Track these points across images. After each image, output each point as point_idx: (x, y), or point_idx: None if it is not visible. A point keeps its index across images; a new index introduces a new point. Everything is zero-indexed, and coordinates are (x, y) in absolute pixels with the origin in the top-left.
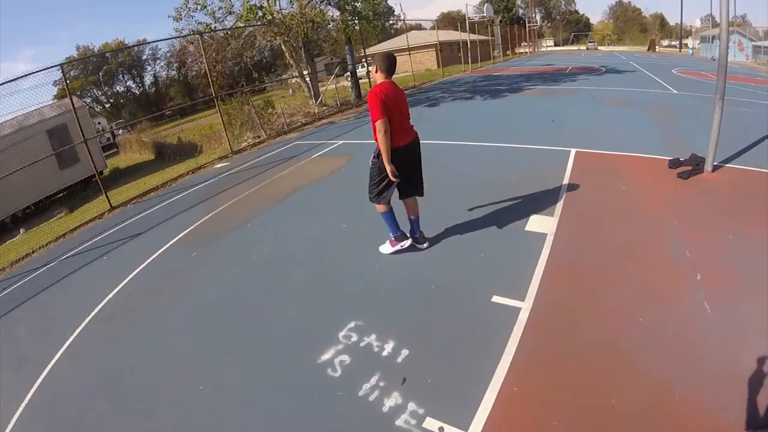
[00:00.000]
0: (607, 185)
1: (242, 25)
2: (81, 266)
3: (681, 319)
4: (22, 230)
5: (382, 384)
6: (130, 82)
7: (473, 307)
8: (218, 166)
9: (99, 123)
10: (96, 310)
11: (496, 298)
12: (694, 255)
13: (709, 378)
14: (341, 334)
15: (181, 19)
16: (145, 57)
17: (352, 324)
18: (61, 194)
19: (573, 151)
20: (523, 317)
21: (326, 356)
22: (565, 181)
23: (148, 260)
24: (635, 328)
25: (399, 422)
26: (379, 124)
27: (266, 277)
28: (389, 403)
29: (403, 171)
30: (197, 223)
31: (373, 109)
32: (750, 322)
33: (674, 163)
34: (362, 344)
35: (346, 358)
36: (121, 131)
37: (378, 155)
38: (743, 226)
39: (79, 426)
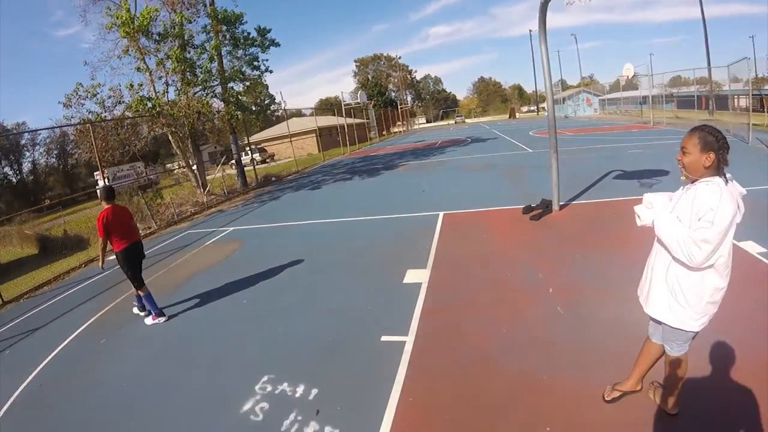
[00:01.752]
0: (471, 236)
1: (131, 115)
2: None
3: (539, 324)
4: None
5: (299, 418)
6: (6, 169)
7: (366, 347)
8: (111, 257)
9: None
10: (7, 405)
11: (384, 337)
12: (546, 276)
13: (567, 360)
14: (257, 386)
15: (71, 107)
16: (24, 142)
17: (265, 378)
18: None
19: (441, 213)
20: (408, 347)
21: (247, 406)
22: (435, 238)
23: (57, 350)
24: (501, 338)
25: None
26: (101, 240)
27: (177, 353)
28: (308, 431)
29: (133, 262)
30: (100, 314)
31: (98, 229)
32: (595, 314)
33: (527, 209)
34: (277, 392)
35: (265, 404)
36: None
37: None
38: (586, 247)
39: None
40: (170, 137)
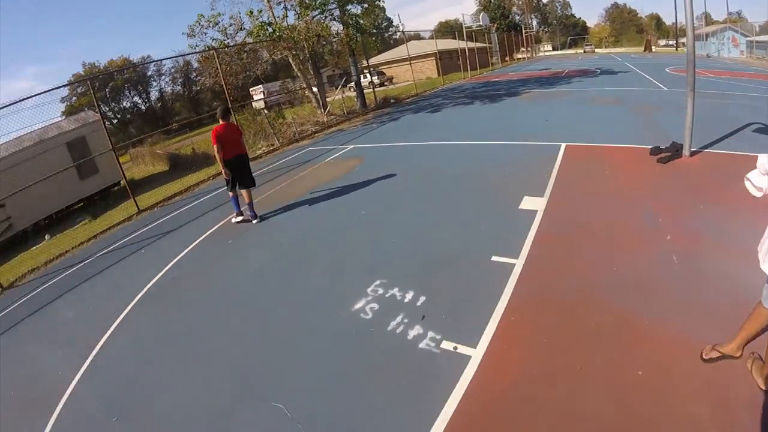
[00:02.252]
0: (592, 171)
1: (252, 41)
2: (119, 260)
3: (650, 268)
4: (47, 237)
5: (405, 321)
6: (136, 98)
7: (476, 265)
8: None
9: None
10: (142, 293)
11: (495, 258)
12: (666, 222)
13: (672, 310)
14: (369, 289)
15: (194, 36)
16: (150, 73)
17: (377, 282)
18: (81, 204)
19: (563, 145)
20: (517, 270)
21: (358, 305)
22: (555, 169)
23: (186, 250)
24: (610, 275)
25: (421, 345)
26: (215, 148)
27: (298, 255)
28: (412, 333)
29: (236, 171)
30: (225, 220)
31: (212, 138)
32: (710, 269)
33: (655, 151)
34: (387, 295)
35: (375, 305)
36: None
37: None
38: (713, 199)
39: (140, 381)
40: (291, 60)
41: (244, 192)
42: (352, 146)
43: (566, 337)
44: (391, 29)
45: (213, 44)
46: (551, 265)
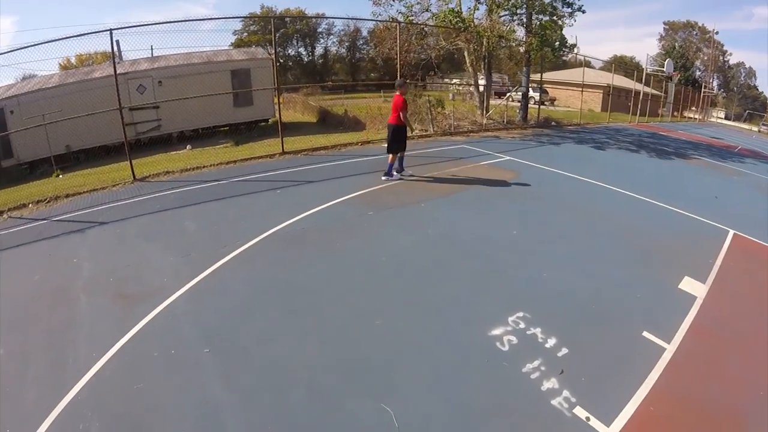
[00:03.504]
0: (764, 273)
1: (435, 24)
2: (253, 192)
3: None
4: (189, 146)
5: (543, 368)
6: (301, 49)
7: (626, 334)
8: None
9: None
10: (269, 232)
11: (646, 334)
12: None
13: None
14: (510, 318)
15: (380, 5)
16: (320, 30)
17: (520, 313)
18: (226, 128)
19: (731, 232)
20: (666, 356)
21: (496, 332)
22: (720, 257)
23: (323, 206)
24: (756, 399)
25: (554, 402)
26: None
27: (440, 252)
28: (547, 385)
29: (401, 137)
30: (368, 190)
31: (402, 105)
32: None
33: None
34: (528, 333)
35: (513, 338)
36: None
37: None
38: None
39: (244, 322)
40: (466, 54)
41: (400, 154)
42: (508, 157)
43: None
44: (573, 50)
45: (398, 17)
46: (702, 364)
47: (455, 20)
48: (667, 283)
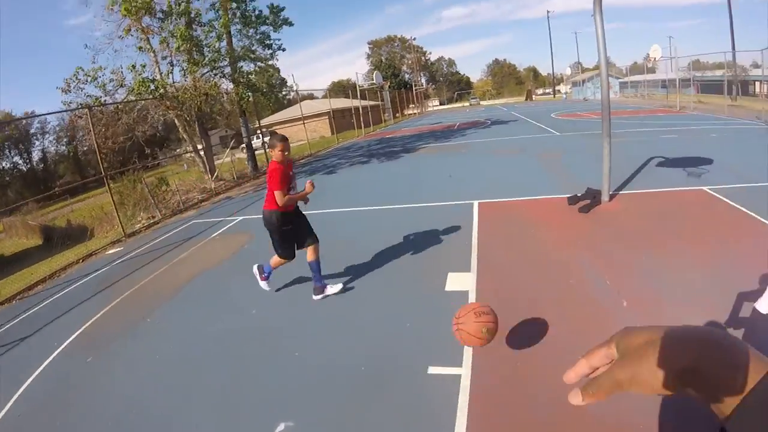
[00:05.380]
0: (516, 231)
1: (133, 98)
2: None
3: None
4: None
5: None
6: (17, 158)
7: (410, 382)
8: (111, 251)
9: None
10: None
11: (432, 369)
12: (614, 283)
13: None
14: None
15: (69, 92)
16: (33, 131)
17: (281, 427)
18: None
19: (475, 203)
20: (465, 384)
21: None
22: (474, 233)
23: (40, 369)
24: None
25: None
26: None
27: (175, 381)
28: None
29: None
30: (91, 321)
31: (276, 180)
32: None
33: (573, 200)
34: None
35: None
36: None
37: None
38: (651, 246)
39: None
40: (176, 121)
41: (311, 249)
42: (240, 218)
43: None
44: (284, 89)
45: (88, 101)
46: (506, 369)
47: (149, 89)
48: (433, 292)
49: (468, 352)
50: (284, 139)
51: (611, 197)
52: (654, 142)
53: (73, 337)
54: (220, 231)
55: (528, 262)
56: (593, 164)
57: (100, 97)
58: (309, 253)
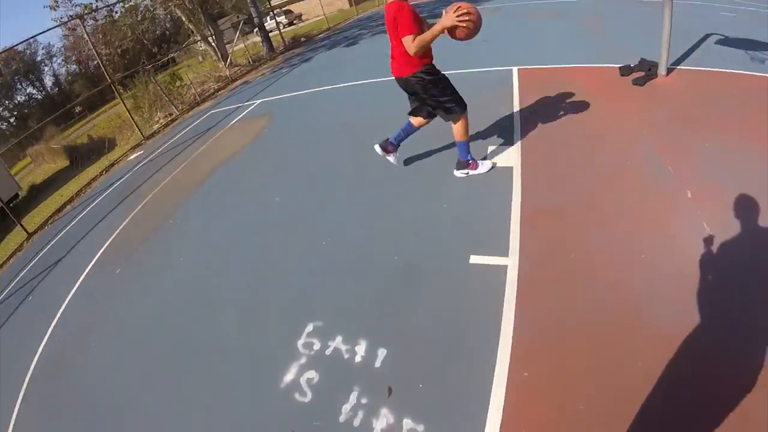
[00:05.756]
0: (563, 101)
1: None
2: (5, 319)
3: (686, 249)
4: None
5: (364, 401)
6: (30, 89)
7: (449, 274)
8: (132, 157)
9: None
10: (27, 378)
11: (474, 258)
12: (676, 170)
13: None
14: (300, 342)
15: (57, 8)
16: (40, 58)
17: (309, 327)
18: None
19: (515, 69)
20: (512, 276)
21: (289, 377)
22: (516, 102)
23: (74, 289)
24: (639, 268)
25: None
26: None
27: (199, 285)
28: (379, 425)
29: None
30: (117, 231)
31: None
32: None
33: (626, 70)
34: (328, 351)
35: (313, 374)
36: None
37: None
38: (717, 132)
39: None
40: (178, 11)
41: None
42: (258, 101)
43: (613, 399)
44: None
45: (78, 11)
46: (557, 261)
47: None
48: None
49: (515, 240)
50: None
51: (668, 71)
52: (710, 17)
53: (102, 250)
54: (239, 117)
55: (579, 138)
56: (644, 34)
57: (91, 3)
58: (417, 121)
